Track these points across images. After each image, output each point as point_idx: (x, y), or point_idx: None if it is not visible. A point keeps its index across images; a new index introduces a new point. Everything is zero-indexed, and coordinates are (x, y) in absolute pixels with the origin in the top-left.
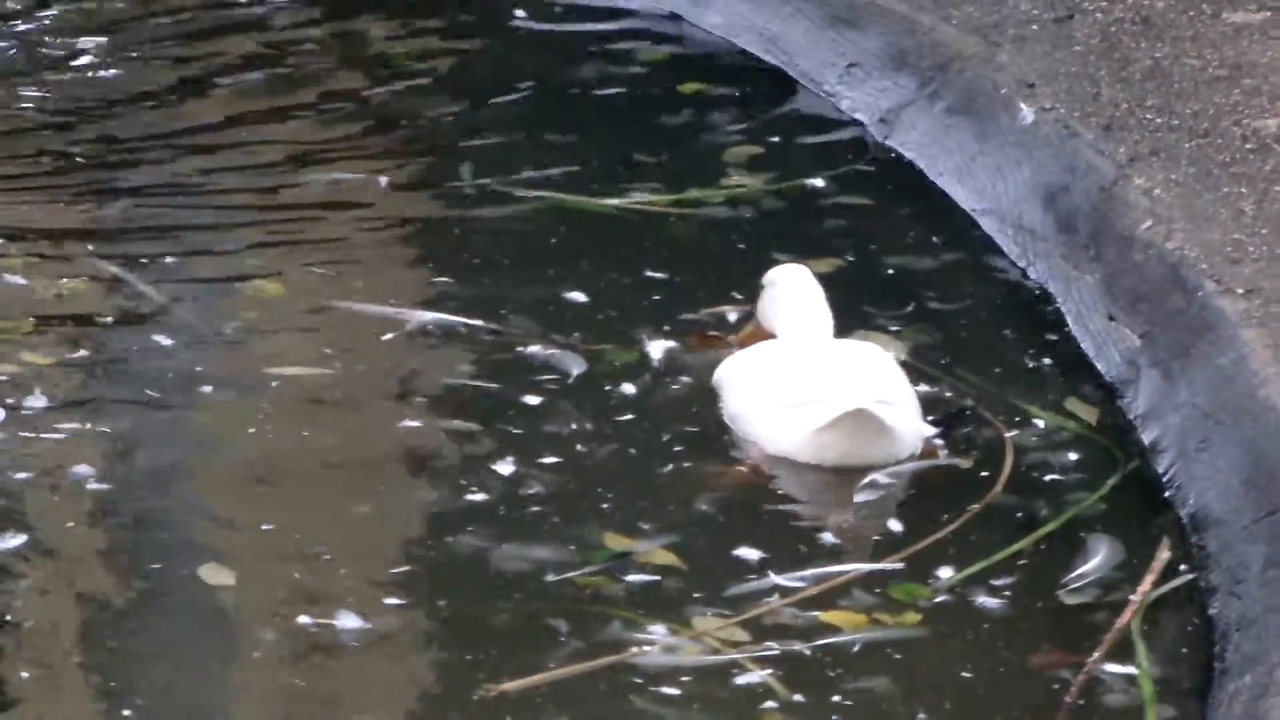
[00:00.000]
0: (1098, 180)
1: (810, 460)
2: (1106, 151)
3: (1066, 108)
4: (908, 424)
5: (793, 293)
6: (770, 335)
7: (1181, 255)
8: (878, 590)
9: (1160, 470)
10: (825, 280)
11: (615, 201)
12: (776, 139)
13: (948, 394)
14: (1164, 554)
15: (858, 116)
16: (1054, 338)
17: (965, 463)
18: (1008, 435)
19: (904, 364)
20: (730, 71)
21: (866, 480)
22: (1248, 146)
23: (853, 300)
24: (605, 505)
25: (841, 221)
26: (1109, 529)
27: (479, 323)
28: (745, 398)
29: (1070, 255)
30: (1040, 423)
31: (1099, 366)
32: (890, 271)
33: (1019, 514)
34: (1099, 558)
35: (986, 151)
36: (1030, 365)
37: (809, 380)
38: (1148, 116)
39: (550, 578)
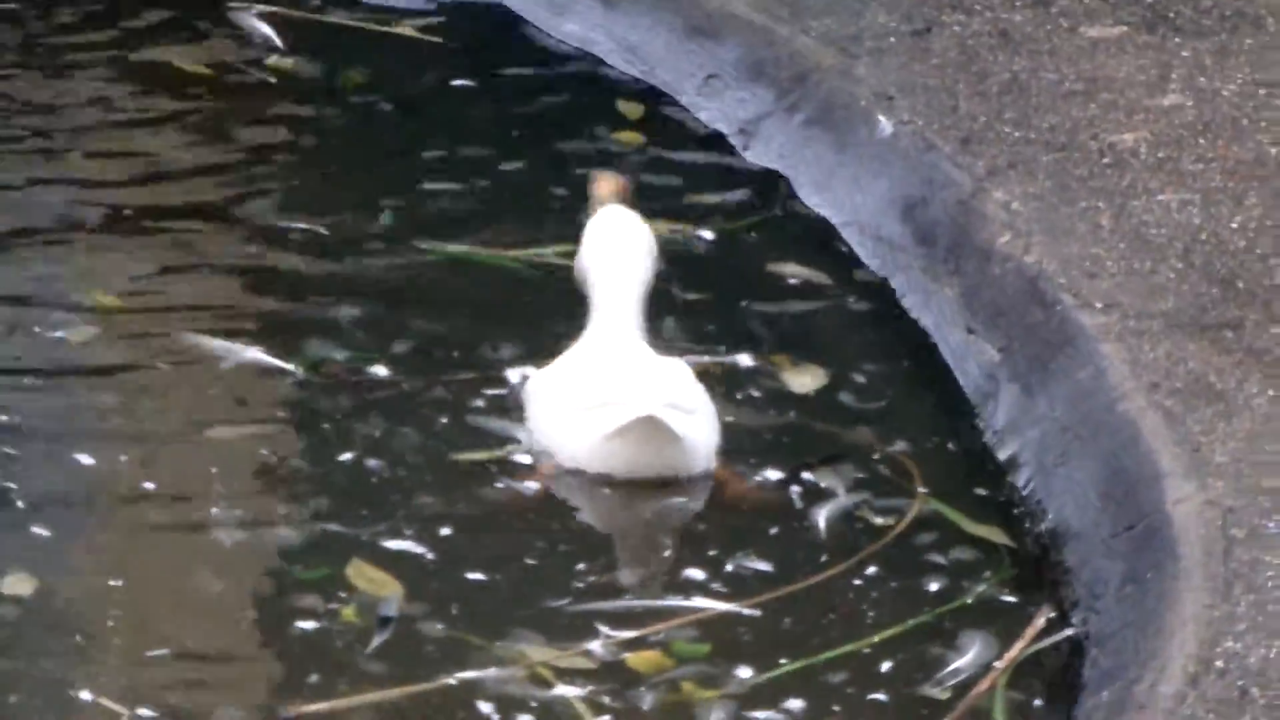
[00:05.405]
0: (956, 193)
1: (600, 470)
2: (964, 164)
3: (924, 120)
4: (701, 436)
5: (608, 240)
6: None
7: (1040, 269)
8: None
9: (1019, 485)
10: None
11: (515, 253)
12: (658, 168)
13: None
14: (1039, 621)
15: (718, 128)
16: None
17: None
18: (920, 491)
19: (812, 395)
20: (595, 87)
21: (670, 510)
22: (1105, 161)
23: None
24: (401, 529)
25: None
26: (985, 620)
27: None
28: (538, 406)
29: (929, 268)
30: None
31: (960, 382)
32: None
33: (892, 584)
34: (971, 653)
35: (845, 163)
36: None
37: (597, 384)
38: (1005, 130)
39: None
